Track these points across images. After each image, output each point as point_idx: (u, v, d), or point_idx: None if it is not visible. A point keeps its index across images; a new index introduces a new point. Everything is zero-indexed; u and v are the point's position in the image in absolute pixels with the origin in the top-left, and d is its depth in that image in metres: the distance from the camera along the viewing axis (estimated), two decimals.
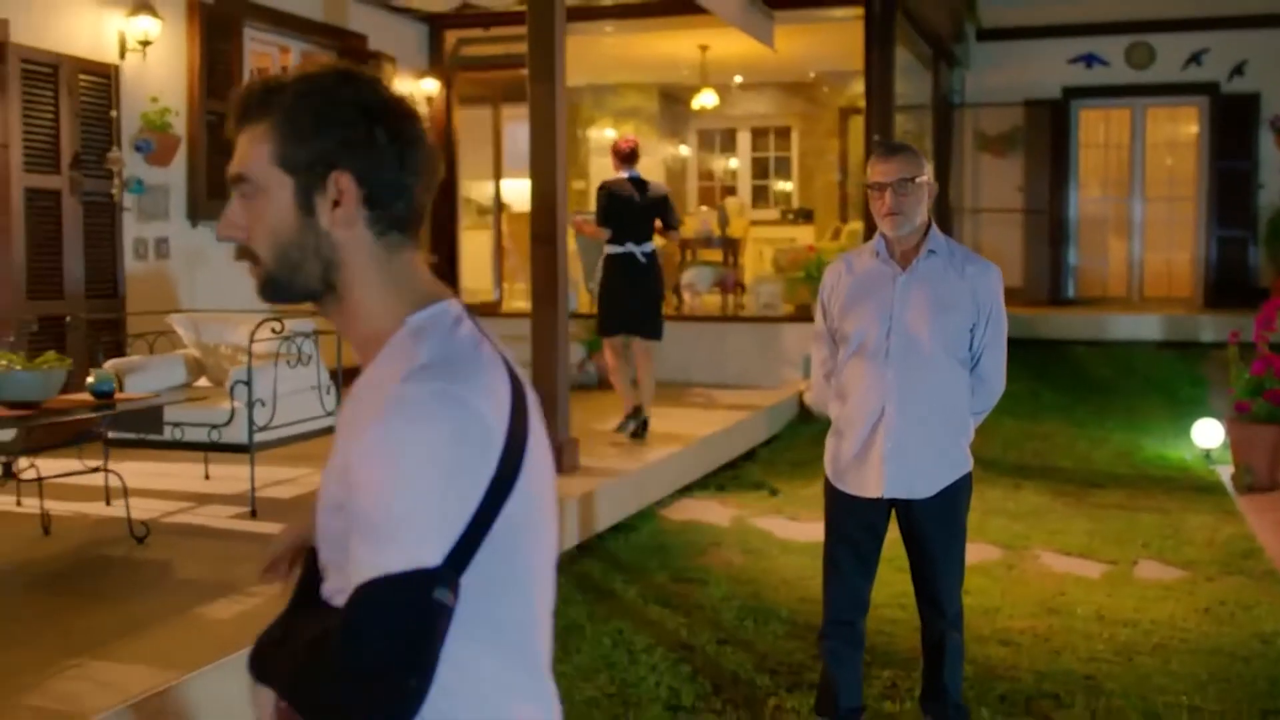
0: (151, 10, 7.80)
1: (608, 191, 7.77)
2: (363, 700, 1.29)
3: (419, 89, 11.04)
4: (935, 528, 3.65)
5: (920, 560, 3.71)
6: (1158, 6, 13.49)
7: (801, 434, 9.42)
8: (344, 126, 1.39)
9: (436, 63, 11.34)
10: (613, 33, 11.33)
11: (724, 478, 7.90)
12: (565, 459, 6.39)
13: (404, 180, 1.42)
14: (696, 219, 12.44)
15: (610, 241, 7.66)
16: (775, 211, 15.54)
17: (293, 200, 1.40)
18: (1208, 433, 8.97)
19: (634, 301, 7.62)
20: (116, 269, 7.68)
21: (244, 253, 1.44)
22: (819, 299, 3.88)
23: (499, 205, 12.84)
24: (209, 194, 8.27)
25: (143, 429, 5.35)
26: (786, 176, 16.24)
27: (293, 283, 1.43)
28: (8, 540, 5.03)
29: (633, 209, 7.65)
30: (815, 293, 10.59)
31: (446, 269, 11.48)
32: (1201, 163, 14.03)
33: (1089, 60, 14.01)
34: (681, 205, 15.96)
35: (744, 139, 16.31)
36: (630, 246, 7.60)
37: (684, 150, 16.39)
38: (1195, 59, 13.74)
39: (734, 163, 16.57)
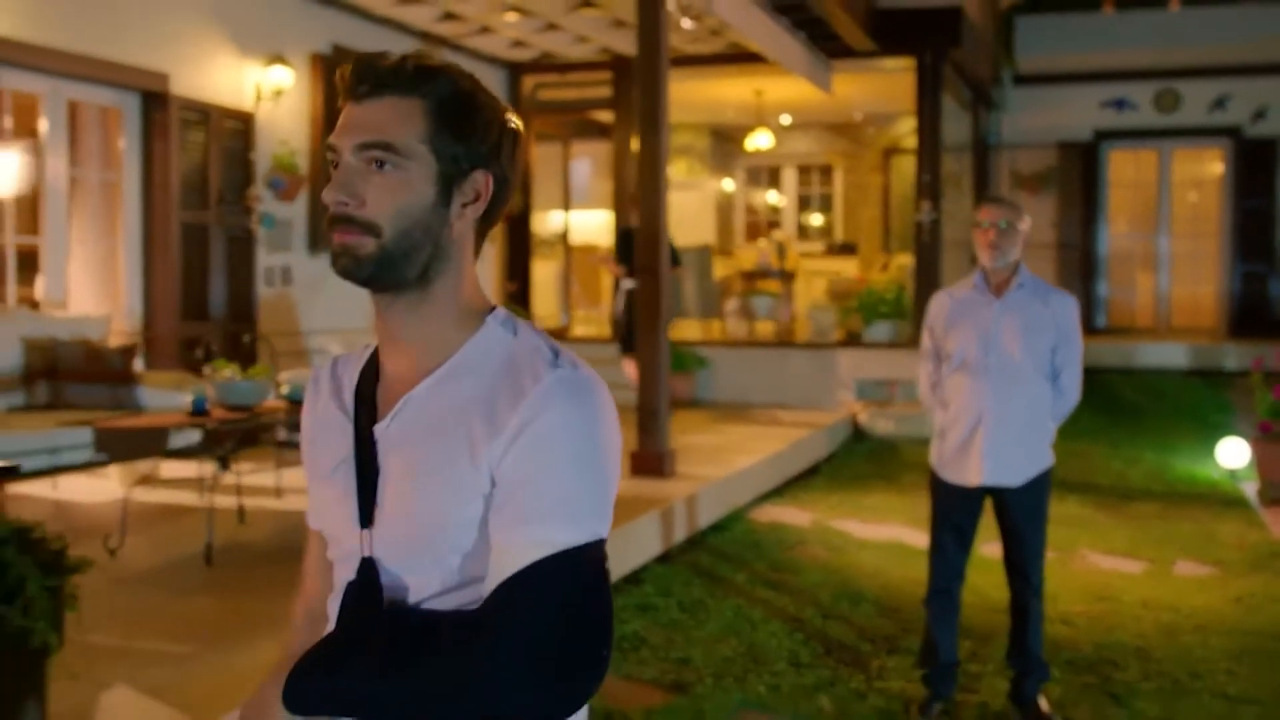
0: (285, 62, 8.70)
1: (625, 234, 9.28)
2: (556, 683, 1.30)
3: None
4: (1023, 511, 4.45)
5: (1010, 539, 4.51)
6: (1184, 55, 14.29)
7: (858, 451, 10.23)
8: (492, 129, 1.42)
9: (515, 105, 12.24)
10: (680, 79, 12.22)
11: (795, 488, 8.71)
12: (666, 466, 7.22)
13: (513, 189, 1.48)
14: (756, 252, 13.31)
15: (629, 276, 9.04)
16: (819, 244, 16.39)
17: (434, 185, 1.40)
18: (1233, 452, 9.72)
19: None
20: (251, 294, 8.55)
21: (351, 224, 1.38)
22: (925, 323, 4.68)
23: (566, 236, 13.73)
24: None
25: None
26: (828, 211, 17.10)
27: (403, 263, 1.39)
28: (219, 526, 5.84)
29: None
30: (864, 320, 11.49)
31: (521, 296, 12.34)
32: (1225, 202, 14.83)
33: (1119, 104, 14.85)
34: (730, 239, 16.85)
35: (789, 175, 17.18)
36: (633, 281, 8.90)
37: (729, 186, 17.25)
38: (1219, 104, 14.57)
39: (773, 196, 17.42)
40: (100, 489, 6.58)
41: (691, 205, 15.74)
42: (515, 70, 12.15)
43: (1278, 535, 7.73)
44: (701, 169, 16.04)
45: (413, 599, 1.39)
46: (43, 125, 7.15)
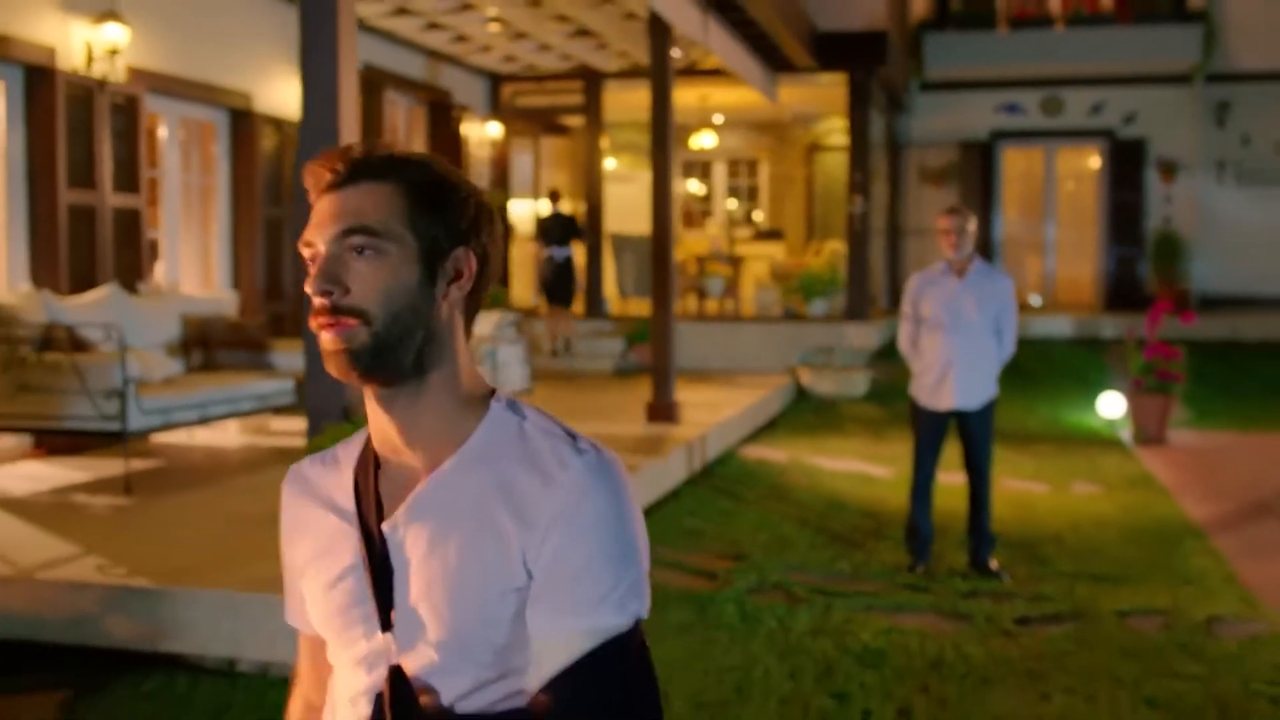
0: None
1: (549, 217, 12.79)
2: None
3: (485, 132, 13.57)
4: (979, 425, 6.34)
5: (969, 447, 6.39)
6: (1067, 68, 16.46)
7: (805, 408, 12.14)
8: (468, 206, 1.40)
9: (495, 109, 13.89)
10: (642, 89, 13.97)
11: (764, 435, 10.58)
12: (674, 414, 9.02)
13: (495, 267, 1.45)
14: (708, 240, 15.17)
15: (545, 249, 12.57)
16: (748, 231, 18.28)
17: (417, 265, 1.36)
18: (1111, 405, 11.82)
19: (555, 282, 12.49)
20: None
21: (338, 313, 1.33)
22: (906, 295, 6.52)
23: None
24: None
25: None
26: (755, 201, 19.02)
27: (398, 350, 1.34)
28: None
29: (554, 228, 12.50)
30: (805, 298, 13.43)
31: (500, 282, 14.03)
32: (1101, 193, 17.10)
33: (1011, 109, 17.02)
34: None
35: (720, 169, 19.04)
36: (553, 250, 12.35)
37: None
38: (1096, 109, 16.83)
39: (693, 186, 19.22)
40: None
41: (634, 196, 17.48)
42: (496, 80, 13.79)
43: (1147, 466, 9.80)
44: (642, 163, 17.81)
45: (445, 701, 1.35)
46: (163, 139, 8.65)
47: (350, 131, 4.70)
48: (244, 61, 9.27)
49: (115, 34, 7.63)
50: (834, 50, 12.77)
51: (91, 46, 7.57)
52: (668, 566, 6.22)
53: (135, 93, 7.99)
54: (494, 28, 11.56)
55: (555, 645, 1.31)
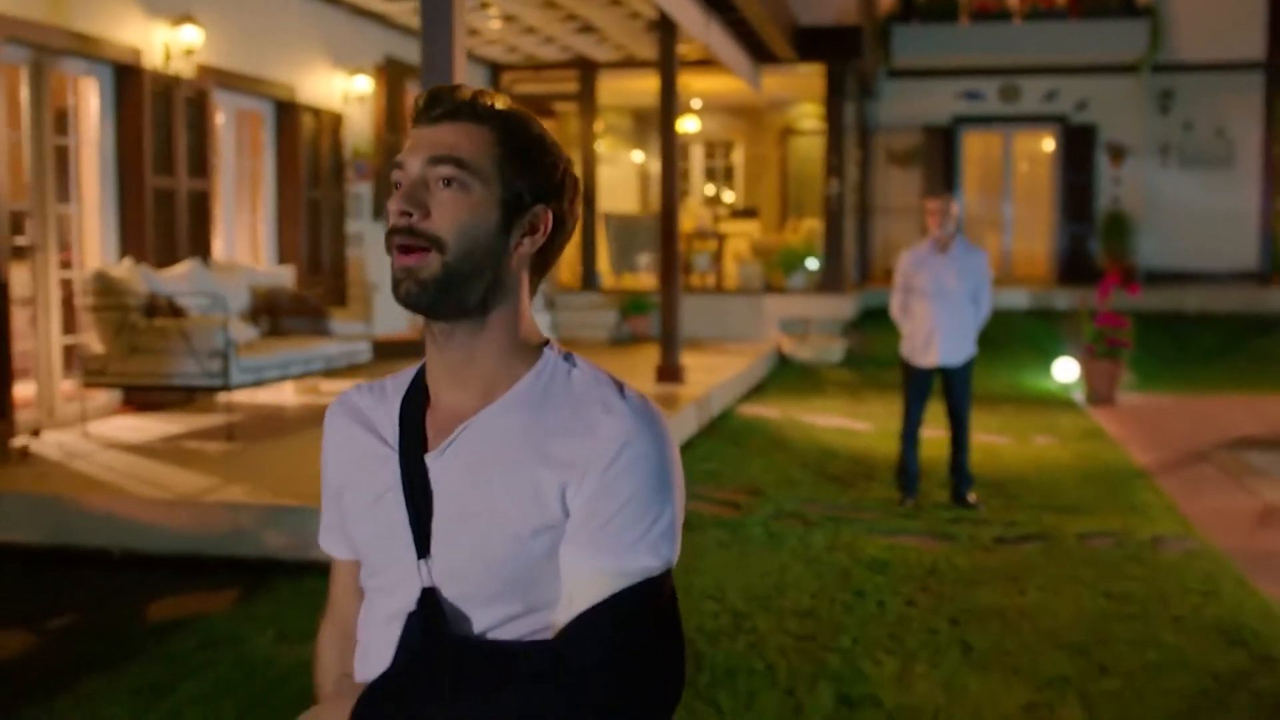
0: (365, 72, 11.21)
1: None
2: (637, 711, 1.35)
3: None
4: (960, 380, 7.42)
5: (952, 398, 7.47)
6: (1023, 57, 17.60)
7: (788, 373, 13.23)
8: (556, 169, 1.45)
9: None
10: (629, 77, 14.97)
11: (756, 396, 11.65)
12: (681, 375, 10.07)
13: (569, 234, 1.49)
14: (696, 218, 16.21)
15: None
16: (724, 210, 19.32)
17: (497, 211, 1.40)
18: (1065, 369, 12.98)
19: None
20: (344, 253, 11.07)
21: (413, 235, 1.38)
22: (899, 268, 7.59)
23: None
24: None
25: None
26: (730, 182, 20.07)
27: (465, 287, 1.39)
28: None
29: None
30: (785, 272, 14.56)
31: None
32: (1054, 175, 18.29)
33: (972, 96, 18.16)
34: (648, 206, 19.66)
35: (697, 151, 20.05)
36: None
37: (639, 158, 20.02)
38: (1050, 97, 18.01)
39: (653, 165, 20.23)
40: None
41: (616, 176, 18.49)
42: (496, 69, 14.73)
43: (1098, 422, 10.96)
44: (623, 145, 18.80)
45: (475, 629, 1.38)
46: (222, 128, 9.55)
47: None
48: (287, 56, 10.18)
49: (191, 35, 8.53)
50: (813, 43, 13.83)
51: (169, 47, 8.47)
52: (697, 499, 7.29)
53: (205, 87, 8.90)
54: (495, 24, 12.50)
55: (588, 583, 1.34)
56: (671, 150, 9.99)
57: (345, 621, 1.57)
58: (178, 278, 7.81)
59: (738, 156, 19.91)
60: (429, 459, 1.42)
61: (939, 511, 7.35)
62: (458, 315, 1.41)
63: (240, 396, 8.82)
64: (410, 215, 1.38)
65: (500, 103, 1.44)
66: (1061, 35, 17.05)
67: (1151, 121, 17.90)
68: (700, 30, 10.33)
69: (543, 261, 1.47)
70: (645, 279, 15.63)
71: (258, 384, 7.57)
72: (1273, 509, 7.60)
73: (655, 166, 20.36)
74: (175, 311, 7.50)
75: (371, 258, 11.65)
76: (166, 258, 8.36)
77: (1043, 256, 18.35)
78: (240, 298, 8.47)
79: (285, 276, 9.09)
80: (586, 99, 14.58)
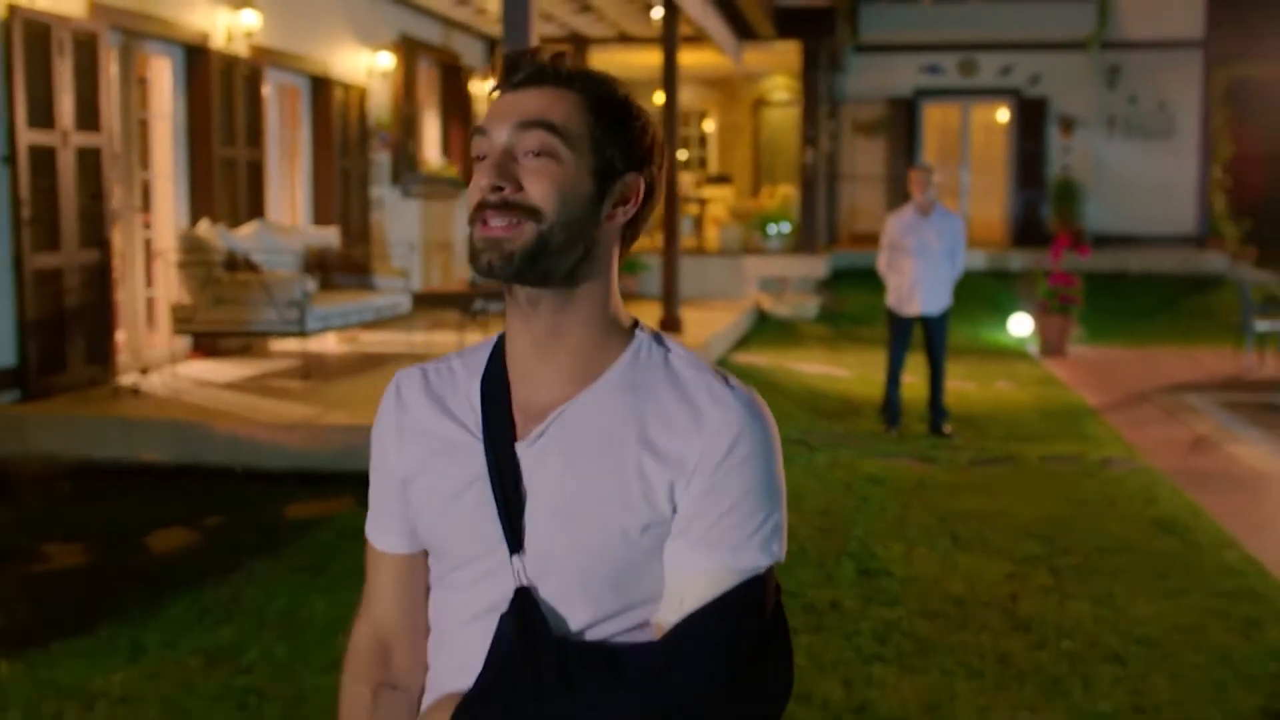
0: (388, 48, 12.17)
1: None
2: (752, 709, 1.32)
3: (485, 89, 15.47)
4: (938, 328, 8.58)
5: (930, 344, 8.62)
6: (981, 33, 18.77)
7: (767, 327, 14.37)
8: (646, 135, 1.39)
9: (492, 69, 15.76)
10: (617, 52, 15.97)
11: (743, 347, 12.79)
12: (680, 327, 11.18)
13: (657, 202, 1.42)
14: (680, 185, 17.26)
15: None
16: (700, 175, 20.40)
17: (591, 179, 1.33)
18: (1020, 324, 14.22)
19: None
20: (368, 217, 12.06)
21: (507, 209, 1.30)
22: (885, 230, 8.71)
23: None
24: (406, 167, 12.69)
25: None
26: (704, 149, 21.14)
27: (556, 257, 1.31)
28: None
29: None
30: (764, 236, 15.75)
31: None
32: (1009, 145, 19.51)
33: (933, 70, 19.32)
34: None
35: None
36: None
37: None
38: (1006, 71, 19.20)
39: None
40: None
41: None
42: (493, 43, 15.68)
43: (1051, 370, 12.20)
44: None
45: (572, 627, 1.33)
46: (269, 102, 10.49)
47: None
48: (320, 35, 11.12)
49: (250, 18, 9.48)
50: (790, 22, 14.92)
51: (230, 29, 9.41)
52: None
53: (258, 65, 9.84)
54: (493, 5, 13.42)
55: (698, 581, 1.29)
56: (673, 122, 11.05)
57: (385, 624, 1.48)
58: (247, 237, 8.80)
59: (710, 125, 20.97)
60: (520, 448, 1.34)
61: (920, 440, 8.53)
62: (544, 284, 1.33)
63: (290, 344, 9.82)
64: (502, 189, 1.31)
65: (586, 67, 1.39)
66: (1016, 14, 18.24)
67: (1099, 95, 19.16)
68: (698, 11, 11.39)
69: (633, 232, 1.41)
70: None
71: (325, 330, 8.59)
72: (1201, 438, 8.85)
73: None
74: (251, 267, 8.50)
75: (390, 220, 12.64)
76: (230, 220, 9.32)
77: (998, 221, 19.56)
78: (298, 255, 9.46)
79: (332, 237, 10.08)
80: None
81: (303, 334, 8.21)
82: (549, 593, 1.33)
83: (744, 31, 14.56)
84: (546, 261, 1.31)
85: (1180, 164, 19.04)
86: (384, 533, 1.48)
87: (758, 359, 11.97)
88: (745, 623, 1.30)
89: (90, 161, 7.75)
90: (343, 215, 11.43)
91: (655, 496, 1.31)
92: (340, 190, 11.40)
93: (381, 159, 12.47)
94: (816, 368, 11.68)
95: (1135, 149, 19.15)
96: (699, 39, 13.60)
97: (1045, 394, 10.71)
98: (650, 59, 16.72)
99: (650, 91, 19.16)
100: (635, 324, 1.41)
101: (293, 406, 7.28)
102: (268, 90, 10.27)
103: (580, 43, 15.46)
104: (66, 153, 7.51)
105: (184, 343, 9.08)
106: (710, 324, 12.19)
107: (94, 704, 4.13)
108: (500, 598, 1.34)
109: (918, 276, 8.50)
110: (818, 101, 15.48)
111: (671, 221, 11.21)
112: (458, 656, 1.38)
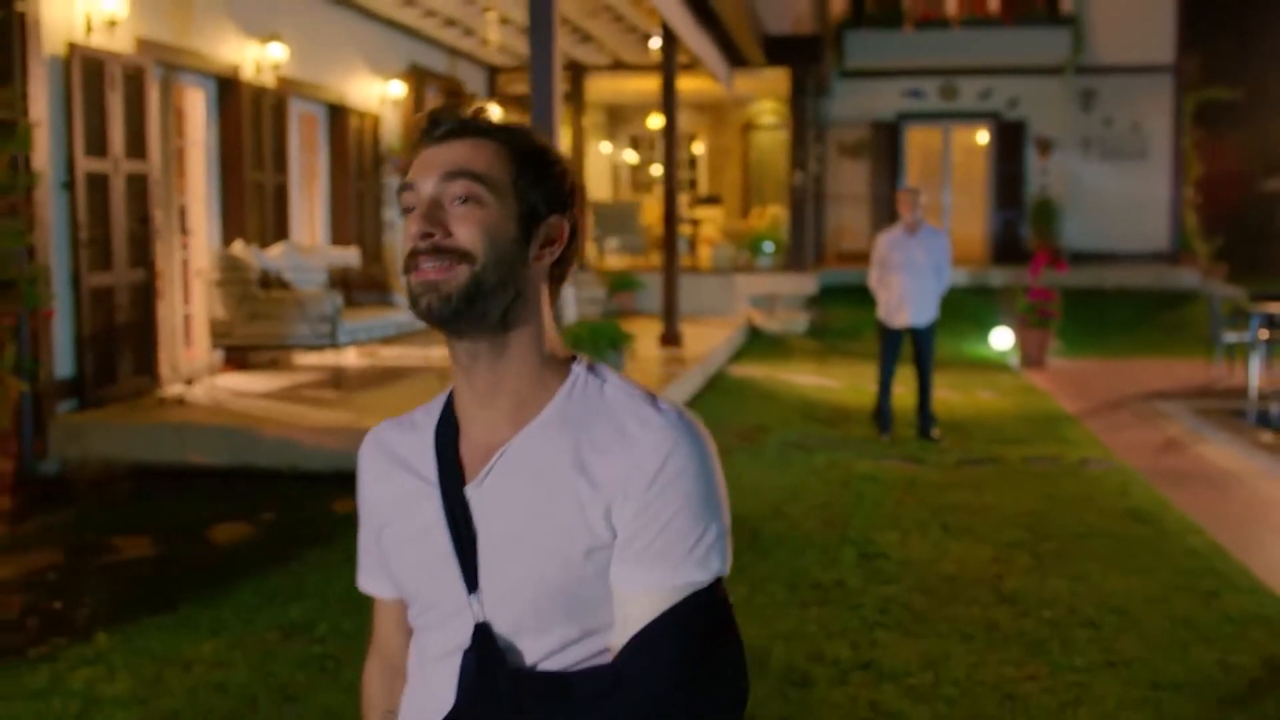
0: (399, 77, 12.77)
1: None
2: (714, 716, 1.35)
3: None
4: (925, 338, 9.19)
5: (919, 354, 9.23)
6: (961, 59, 19.46)
7: (759, 342, 14.98)
8: (565, 179, 1.45)
9: (490, 96, 16.41)
10: (616, 79, 16.62)
11: (738, 361, 13.40)
12: (680, 341, 11.77)
13: (582, 242, 1.49)
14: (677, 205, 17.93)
15: None
16: (690, 197, 21.05)
17: (515, 225, 1.40)
18: (1001, 338, 14.87)
19: None
20: (381, 237, 12.63)
21: (439, 254, 1.36)
22: (875, 247, 9.31)
23: None
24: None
25: None
26: (694, 171, 21.80)
27: (491, 296, 1.37)
28: None
29: None
30: (756, 255, 16.46)
31: None
32: (988, 166, 20.22)
33: (915, 94, 20.03)
34: (619, 192, 21.33)
35: (662, 143, 21.73)
36: None
37: (607, 149, 21.70)
38: (985, 95, 19.92)
39: (630, 155, 21.97)
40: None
41: (589, 167, 20.12)
42: (493, 70, 16.31)
43: (1031, 381, 12.84)
44: (597, 138, 20.43)
45: (531, 659, 1.38)
46: (291, 129, 11.07)
47: (554, 115, 7.30)
48: (337, 66, 11.72)
49: (277, 52, 10.07)
50: (779, 50, 15.59)
51: (259, 61, 10.00)
52: (719, 432, 8.99)
53: (283, 95, 10.43)
54: (493, 36, 14.06)
55: (638, 601, 1.34)
56: (673, 146, 11.67)
57: (391, 657, 1.60)
58: (277, 257, 9.37)
59: (699, 148, 21.63)
60: (469, 490, 1.41)
61: (910, 444, 9.14)
62: (479, 330, 1.39)
63: (313, 358, 10.38)
64: (432, 235, 1.37)
65: (503, 119, 1.45)
66: (995, 40, 18.97)
67: (1075, 118, 19.88)
68: (695, 42, 12.02)
69: (560, 272, 1.47)
70: (622, 260, 17.33)
71: (352, 344, 9.16)
72: (1173, 440, 9.49)
73: (625, 158, 22.08)
74: (282, 284, 9.07)
75: (401, 241, 13.22)
76: (259, 241, 9.89)
77: (978, 239, 20.24)
78: (321, 273, 10.03)
79: (352, 257, 10.66)
80: (576, 99, 16.22)
81: (335, 347, 8.77)
82: (506, 626, 1.39)
83: (736, 59, 15.22)
84: (482, 303, 1.37)
85: (1153, 183, 19.77)
86: (372, 580, 1.59)
87: (753, 371, 12.57)
88: (690, 638, 1.33)
89: (138, 187, 8.32)
90: (358, 236, 12.00)
91: (593, 521, 1.35)
92: (356, 212, 11.98)
93: (392, 183, 13.04)
94: (808, 379, 12.29)
95: (1110, 169, 19.87)
96: (692, 66, 14.25)
97: (1026, 402, 11.33)
98: (642, 85, 17.40)
99: (643, 115, 19.90)
100: (573, 358, 1.47)
101: (329, 413, 7.84)
102: (291, 118, 10.84)
103: (578, 70, 16.11)
104: (117, 179, 8.07)
105: (218, 356, 9.62)
106: (707, 339, 12.79)
107: (190, 667, 4.69)
108: (464, 636, 1.40)
109: (906, 290, 9.12)
110: (805, 126, 16.13)
111: (670, 241, 11.82)
112: (430, 694, 1.45)
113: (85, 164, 7.76)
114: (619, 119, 20.95)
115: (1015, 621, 5.19)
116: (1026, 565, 6.03)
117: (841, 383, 12.01)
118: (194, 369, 9.24)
